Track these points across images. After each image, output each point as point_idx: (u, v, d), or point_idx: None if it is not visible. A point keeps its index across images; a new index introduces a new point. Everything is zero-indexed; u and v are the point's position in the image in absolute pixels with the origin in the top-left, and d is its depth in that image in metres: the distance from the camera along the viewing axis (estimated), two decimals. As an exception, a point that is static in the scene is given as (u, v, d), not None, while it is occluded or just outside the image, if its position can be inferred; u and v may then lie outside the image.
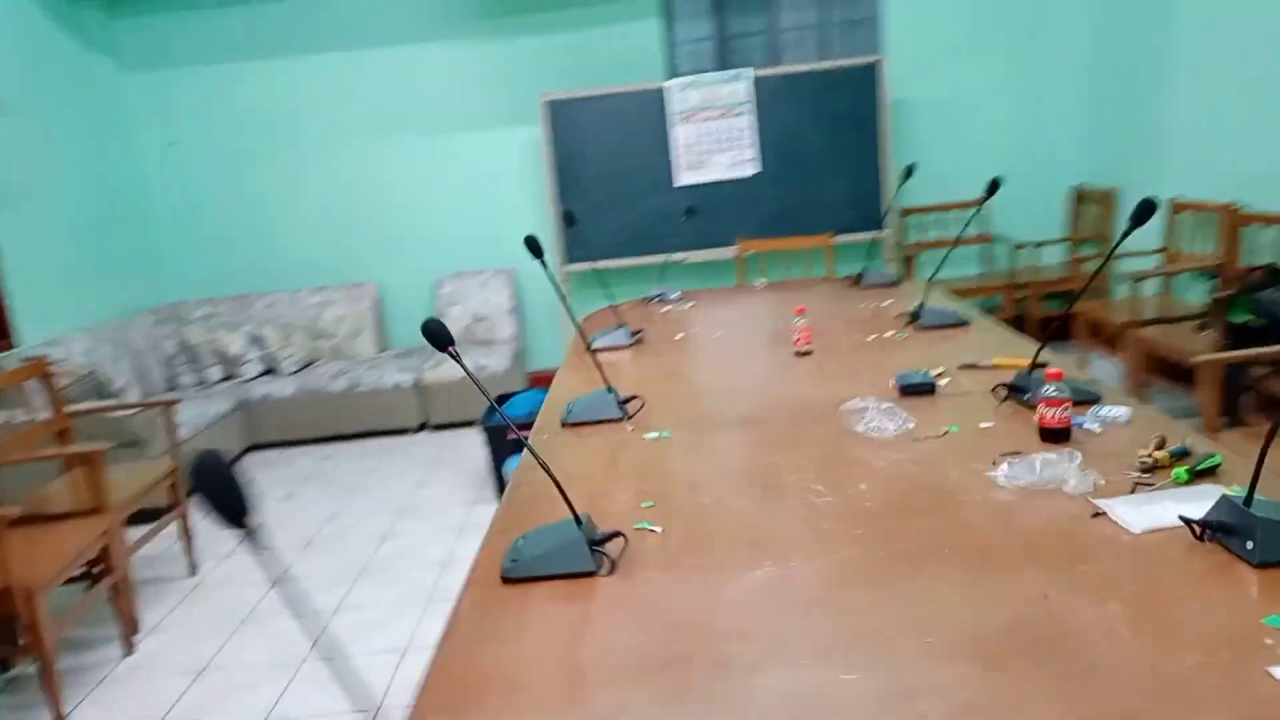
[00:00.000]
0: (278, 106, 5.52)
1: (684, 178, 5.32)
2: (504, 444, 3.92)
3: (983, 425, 1.78)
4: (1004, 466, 1.49)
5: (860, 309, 3.05)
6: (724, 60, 5.60)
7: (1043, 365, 1.81)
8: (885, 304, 3.08)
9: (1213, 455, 1.43)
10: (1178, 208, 4.23)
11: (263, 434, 5.08)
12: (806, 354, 2.52)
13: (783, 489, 1.58)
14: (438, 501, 4.09)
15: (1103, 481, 1.44)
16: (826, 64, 5.22)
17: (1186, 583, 1.15)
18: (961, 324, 2.64)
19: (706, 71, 5.36)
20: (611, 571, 1.35)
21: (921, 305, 2.73)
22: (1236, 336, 2.97)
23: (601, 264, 5.39)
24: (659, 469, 1.77)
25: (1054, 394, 1.61)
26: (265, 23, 5.44)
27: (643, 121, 5.27)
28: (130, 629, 2.98)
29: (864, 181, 5.30)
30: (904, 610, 1.16)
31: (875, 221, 5.31)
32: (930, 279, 2.92)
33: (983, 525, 1.36)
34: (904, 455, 1.67)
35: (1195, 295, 4.17)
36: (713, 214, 5.35)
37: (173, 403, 3.53)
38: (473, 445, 4.88)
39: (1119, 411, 1.69)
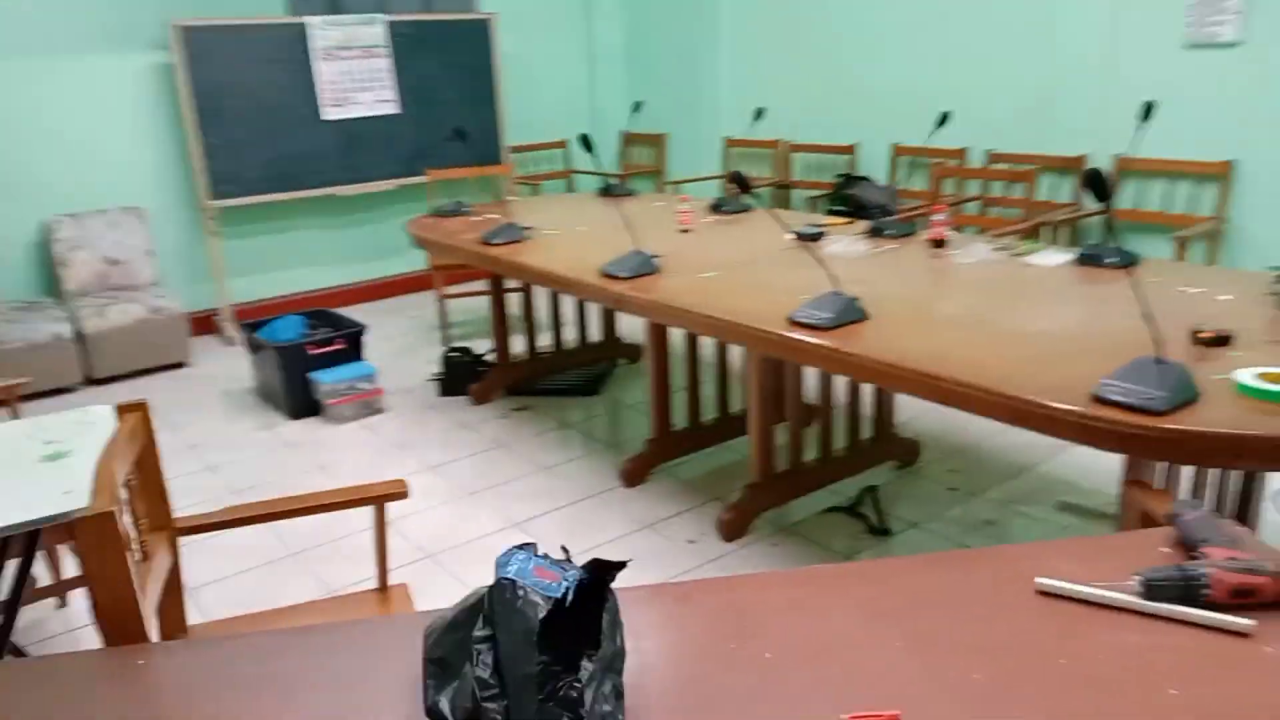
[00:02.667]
0: None
1: (330, 113, 5.52)
2: (301, 360, 4.01)
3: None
4: None
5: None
6: (337, 5, 5.83)
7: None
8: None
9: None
10: (731, 143, 6.01)
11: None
12: (686, 232, 3.52)
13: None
14: (223, 428, 3.98)
15: None
16: (451, 15, 5.89)
17: None
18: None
19: (319, 14, 5.57)
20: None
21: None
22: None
23: (252, 199, 5.32)
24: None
25: None
26: None
27: (284, 56, 5.32)
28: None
29: (484, 124, 6.12)
30: None
31: (495, 157, 6.19)
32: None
33: None
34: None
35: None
36: (358, 150, 5.66)
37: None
38: (178, 386, 4.62)
39: None
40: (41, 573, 2.63)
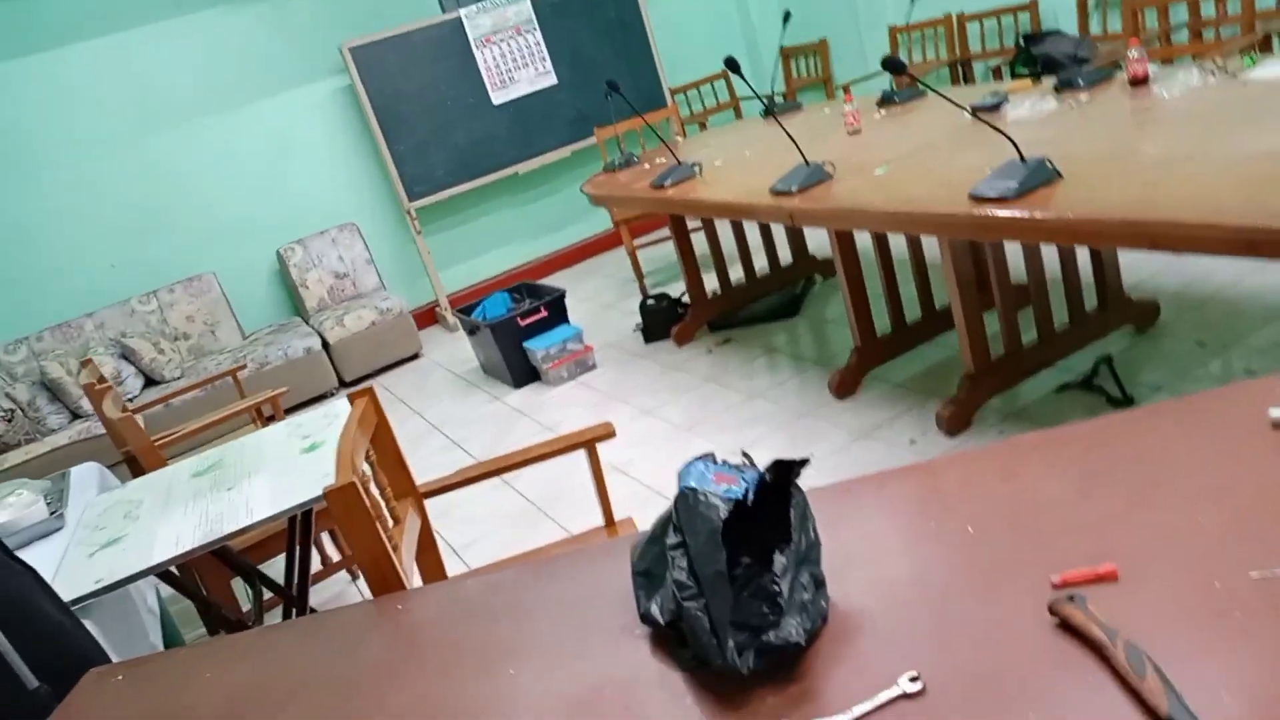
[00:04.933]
0: (35, 116, 4.90)
1: (498, 97, 5.75)
2: (514, 332, 4.26)
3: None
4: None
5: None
6: (480, -12, 6.02)
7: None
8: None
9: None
10: (897, 30, 5.68)
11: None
12: (856, 133, 3.38)
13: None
14: (459, 406, 4.32)
15: None
16: (590, -25, 5.94)
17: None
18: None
19: (469, 4, 5.73)
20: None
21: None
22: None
23: (444, 194, 5.67)
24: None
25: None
26: (-7, 16, 4.78)
27: (446, 52, 5.58)
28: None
29: (642, 73, 6.14)
30: None
31: (659, 102, 6.20)
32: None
33: None
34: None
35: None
36: (528, 126, 5.86)
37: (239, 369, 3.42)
38: (416, 375, 5.04)
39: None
40: (331, 552, 3.01)
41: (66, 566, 1.77)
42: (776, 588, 0.93)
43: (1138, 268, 3.34)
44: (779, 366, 3.73)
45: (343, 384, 5.23)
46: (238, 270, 5.44)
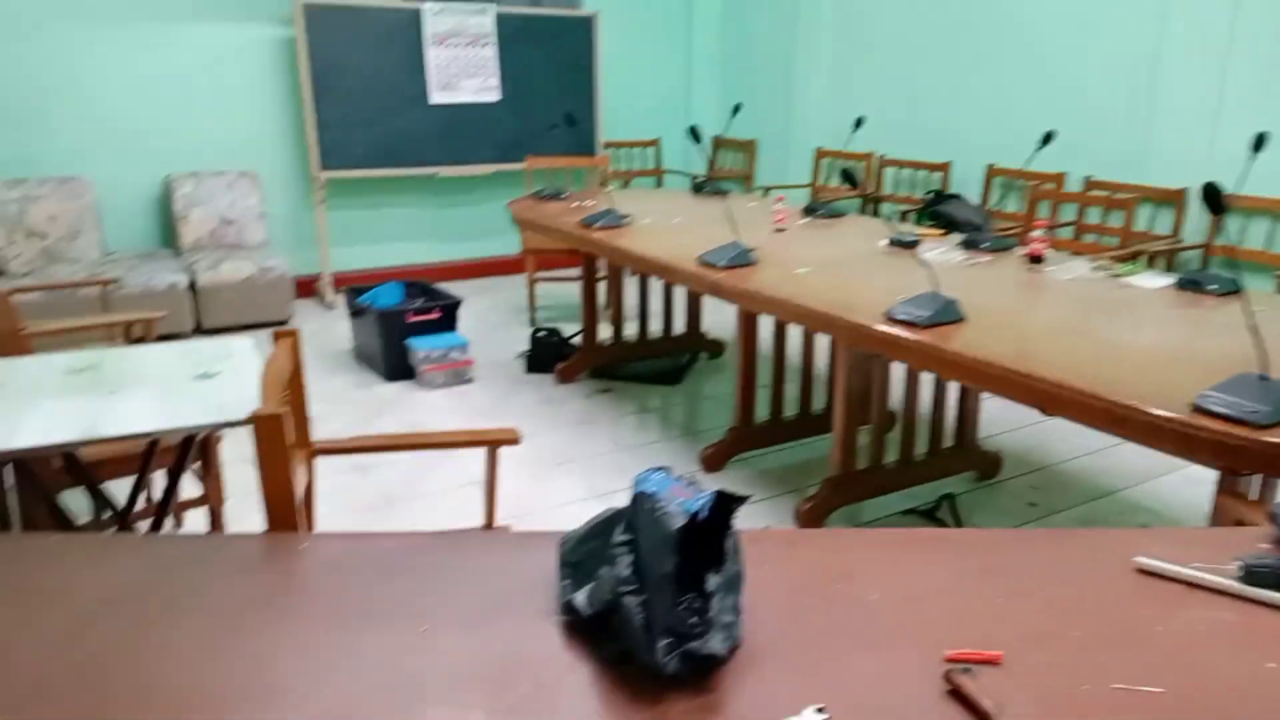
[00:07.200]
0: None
1: (437, 97, 5.73)
2: (401, 326, 4.19)
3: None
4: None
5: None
6: (451, -10, 6.04)
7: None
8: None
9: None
10: (822, 153, 6.06)
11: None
12: (781, 231, 3.58)
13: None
14: (323, 384, 4.17)
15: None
16: (557, 10, 6.05)
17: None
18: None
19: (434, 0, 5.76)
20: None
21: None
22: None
23: (359, 173, 5.55)
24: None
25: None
26: None
27: (398, 39, 5.54)
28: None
29: (582, 118, 6.27)
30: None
31: (590, 150, 6.33)
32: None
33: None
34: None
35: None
36: (460, 134, 5.85)
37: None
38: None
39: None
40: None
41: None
42: (707, 604, 0.99)
43: (991, 424, 3.65)
44: (650, 427, 3.82)
45: (199, 330, 4.96)
46: (120, 185, 5.12)
